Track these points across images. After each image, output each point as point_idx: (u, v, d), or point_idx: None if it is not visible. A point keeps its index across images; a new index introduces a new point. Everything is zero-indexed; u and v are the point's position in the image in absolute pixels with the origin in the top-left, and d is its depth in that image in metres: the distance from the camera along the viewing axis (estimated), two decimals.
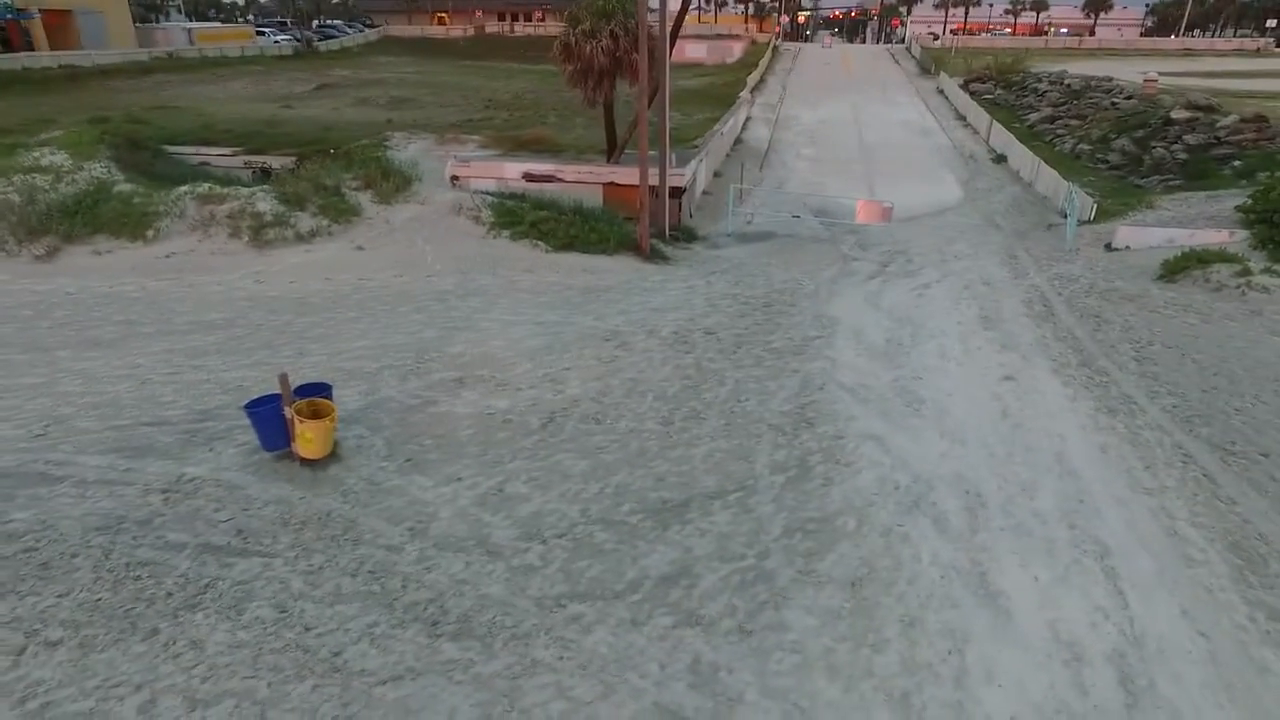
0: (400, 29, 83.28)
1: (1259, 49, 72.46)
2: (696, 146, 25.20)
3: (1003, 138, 32.54)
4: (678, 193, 20.57)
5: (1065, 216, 21.51)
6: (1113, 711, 6.56)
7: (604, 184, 20.77)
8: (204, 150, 26.13)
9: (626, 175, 20.36)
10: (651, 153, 18.45)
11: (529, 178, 21.12)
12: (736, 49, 68.17)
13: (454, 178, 21.96)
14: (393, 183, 19.96)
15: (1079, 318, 15.32)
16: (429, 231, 18.58)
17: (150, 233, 17.42)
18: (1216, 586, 7.99)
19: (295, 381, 9.49)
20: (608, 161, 21.75)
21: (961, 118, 41.51)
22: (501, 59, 69.99)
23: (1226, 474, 9.91)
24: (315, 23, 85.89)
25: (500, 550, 8.02)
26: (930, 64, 59.53)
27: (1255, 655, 7.11)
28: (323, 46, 69.80)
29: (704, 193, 24.92)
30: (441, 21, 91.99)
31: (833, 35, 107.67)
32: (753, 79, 51.30)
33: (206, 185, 19.10)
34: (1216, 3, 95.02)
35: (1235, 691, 6.74)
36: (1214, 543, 8.63)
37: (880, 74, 59.21)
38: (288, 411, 9.13)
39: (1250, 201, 18.61)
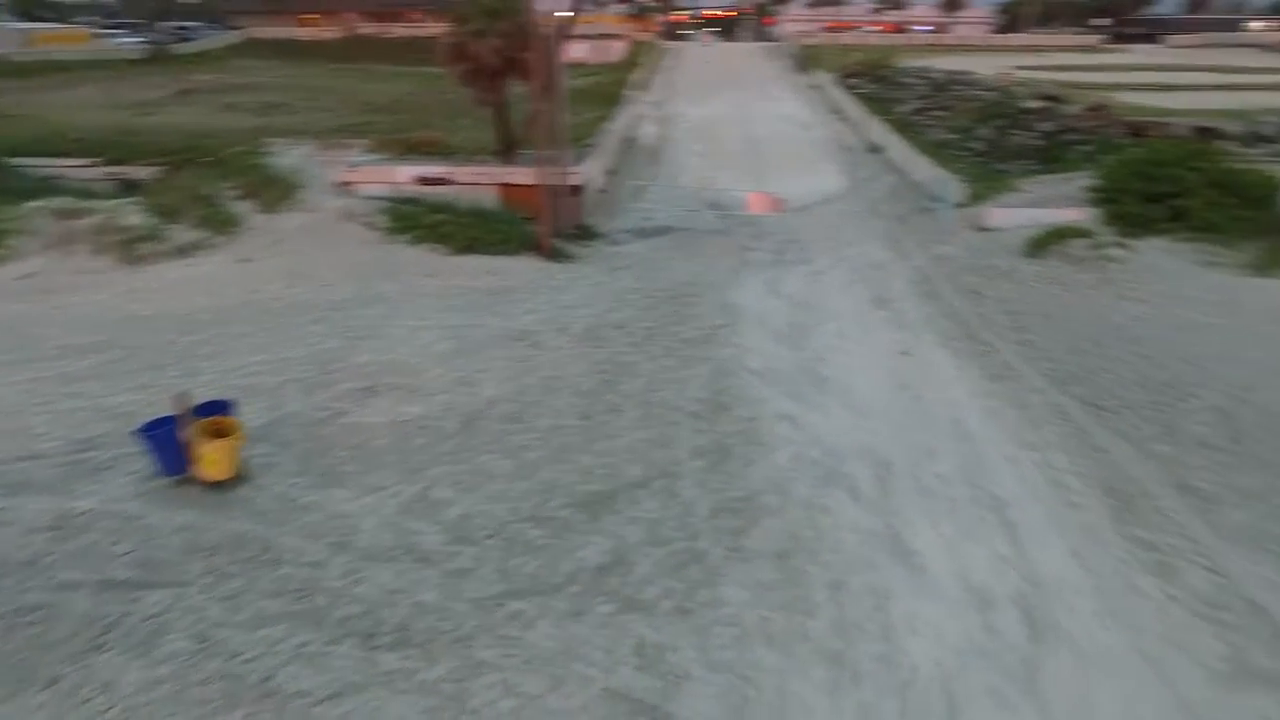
0: (265, 30, 79.03)
1: (1094, 45, 79.29)
2: (590, 145, 25.29)
3: (878, 129, 34.24)
4: (576, 191, 20.61)
5: (939, 201, 22.89)
6: (1020, 648, 7.14)
7: (500, 185, 20.55)
8: (55, 161, 24.07)
9: (523, 175, 20.21)
10: (548, 152, 18.42)
11: (422, 181, 20.64)
12: (618, 48, 68.58)
13: (342, 184, 21.18)
14: (276, 191, 19.07)
15: (960, 294, 16.40)
16: (320, 240, 17.89)
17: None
18: (1097, 527, 8.80)
19: (191, 402, 9.00)
20: (503, 162, 21.53)
21: (838, 111, 43.36)
22: (377, 61, 67.66)
23: (1098, 426, 10.89)
24: (171, 24, 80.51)
25: (431, 556, 7.89)
26: (805, 61, 61.85)
27: (1135, 583, 7.90)
28: (179, 49, 65.46)
29: (600, 190, 25.04)
30: (310, 23, 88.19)
31: (710, 34, 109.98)
32: (638, 77, 51.84)
33: (62, 199, 17.67)
34: (1055, 2, 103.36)
35: (1119, 616, 7.47)
36: (1092, 488, 9.50)
37: (759, 71, 61.04)
38: (186, 433, 8.66)
39: (1099, 181, 20.38)
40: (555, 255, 17.92)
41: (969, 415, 11.49)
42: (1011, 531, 8.73)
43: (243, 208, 18.57)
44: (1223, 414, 10.80)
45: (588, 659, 6.70)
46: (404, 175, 20.82)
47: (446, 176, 20.60)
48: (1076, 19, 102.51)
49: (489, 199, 20.41)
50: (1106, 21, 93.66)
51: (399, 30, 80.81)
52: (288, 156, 24.71)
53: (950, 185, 23.28)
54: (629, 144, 33.57)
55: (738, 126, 38.56)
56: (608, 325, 14.25)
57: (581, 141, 25.35)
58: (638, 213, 23.04)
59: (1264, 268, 16.00)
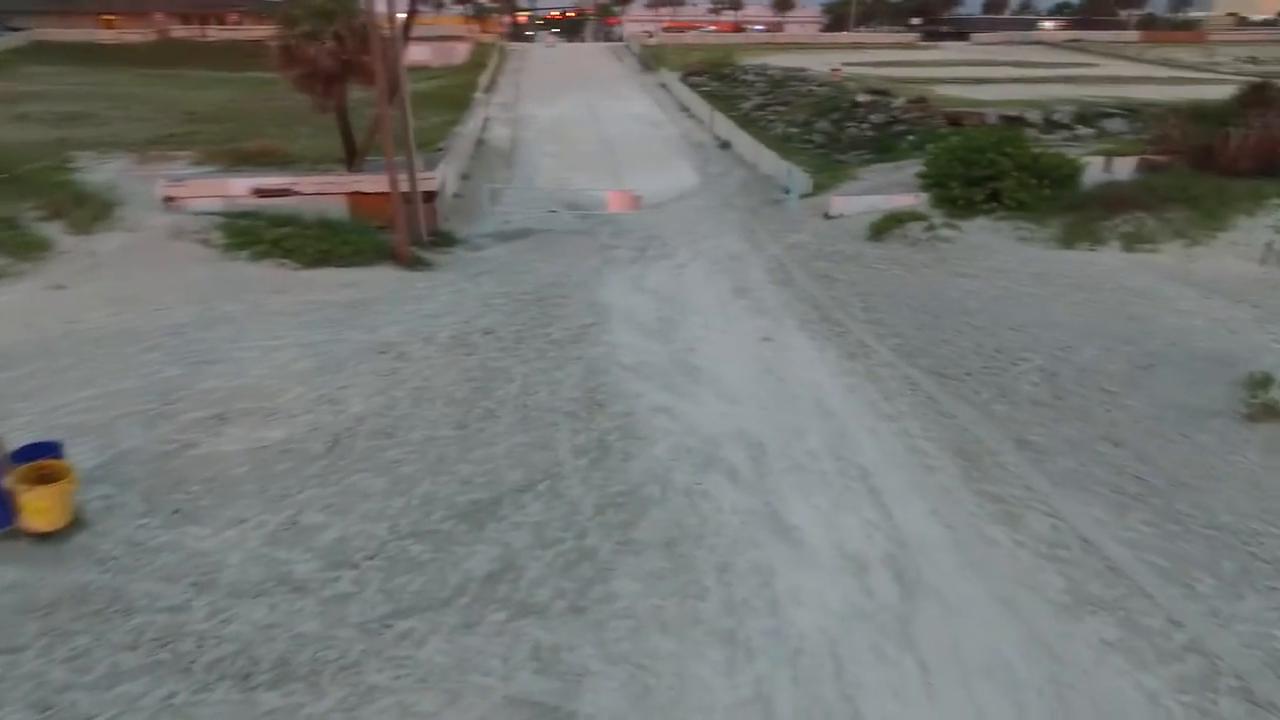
0: (55, 33, 71.12)
1: (911, 42, 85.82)
2: (441, 149, 24.65)
3: (725, 125, 35.53)
4: (430, 196, 20.03)
5: (787, 192, 24.07)
6: (894, 605, 7.62)
7: (348, 194, 19.61)
8: None
9: (373, 183, 19.42)
10: (398, 158, 17.78)
11: (261, 193, 19.34)
12: (462, 50, 67.23)
13: (168, 199, 19.51)
14: (89, 210, 17.33)
15: (813, 279, 17.29)
16: (147, 260, 16.43)
17: None
18: (951, 486, 9.54)
19: (9, 445, 8.05)
20: (348, 170, 20.56)
21: (685, 109, 44.59)
22: (196, 66, 62.76)
23: (944, 394, 11.80)
24: None
25: (307, 585, 7.45)
26: (650, 60, 63.12)
27: (986, 534, 8.61)
28: None
29: (455, 195, 24.48)
30: (111, 25, 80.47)
31: (553, 35, 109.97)
32: (484, 80, 51.04)
33: None
34: (875, 3, 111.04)
35: (978, 566, 8.13)
36: (944, 451, 10.28)
37: (605, 71, 61.71)
38: (6, 482, 7.74)
39: (925, 168, 22.11)
40: (414, 263, 17.35)
41: (830, 393, 12.13)
42: (877, 498, 9.30)
43: (50, 229, 16.75)
44: (1047, 374, 12.01)
45: (484, 669, 6.54)
46: (239, 188, 19.44)
47: (289, 187, 19.43)
48: (894, 18, 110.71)
49: (337, 209, 19.46)
50: (920, 21, 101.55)
51: (217, 33, 75.33)
52: (99, 171, 22.59)
53: (797, 177, 24.51)
54: (481, 147, 33.04)
55: (589, 126, 38.85)
56: (475, 331, 13.96)
57: (431, 146, 24.70)
58: (496, 216, 22.73)
59: (1069, 240, 17.90)
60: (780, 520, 8.84)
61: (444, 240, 20.06)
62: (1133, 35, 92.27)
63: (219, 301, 14.79)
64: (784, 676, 6.69)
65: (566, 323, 14.85)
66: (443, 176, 21.75)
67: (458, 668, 6.54)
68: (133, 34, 72.00)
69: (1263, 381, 10.68)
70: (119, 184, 20.34)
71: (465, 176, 26.87)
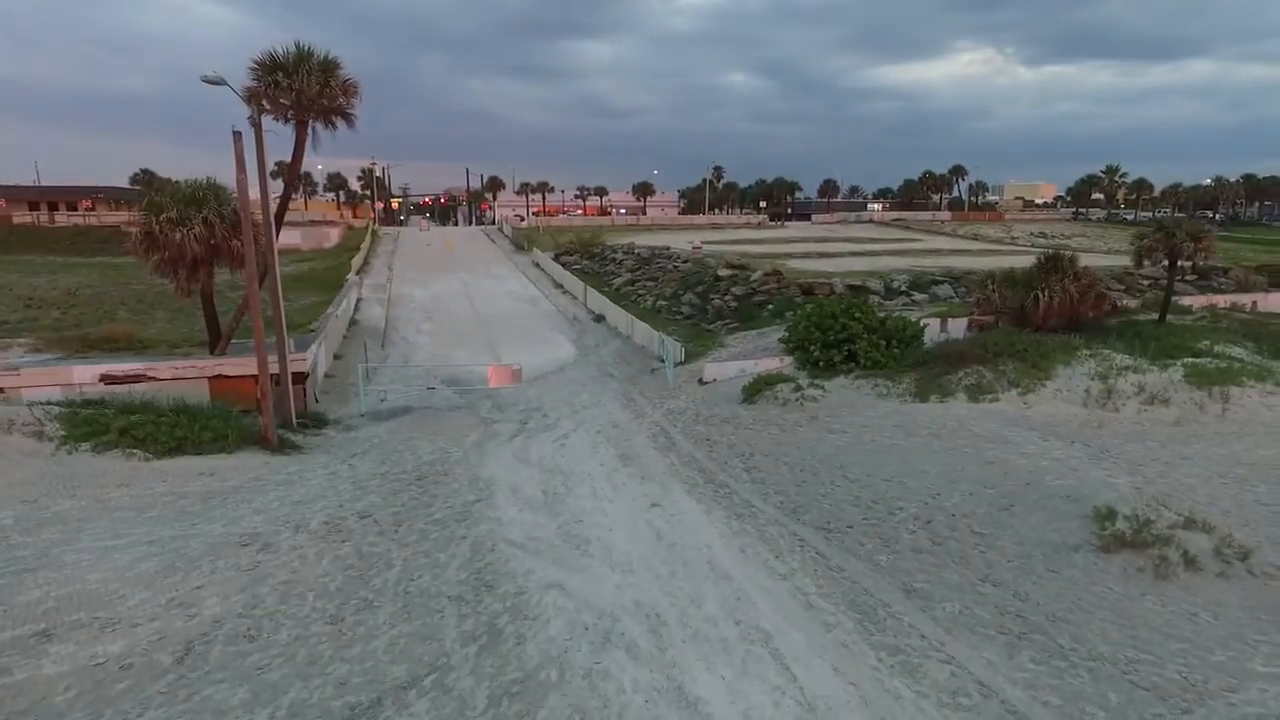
0: None
1: (759, 223, 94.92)
2: (312, 330, 24.20)
3: (598, 300, 37.11)
4: (300, 378, 19.37)
5: (662, 361, 25.02)
6: None
7: (210, 378, 18.67)
8: None
9: (237, 366, 18.66)
10: (267, 340, 17.28)
11: (109, 380, 18.06)
12: (334, 234, 68.06)
13: None
14: None
15: (695, 443, 17.68)
16: None
17: None
18: (850, 641, 9.52)
19: None
20: (212, 353, 19.69)
21: (559, 286, 46.42)
22: (40, 253, 60.02)
23: (831, 548, 12.04)
24: None
25: None
26: (523, 241, 66.09)
27: (890, 687, 8.55)
28: None
29: (327, 375, 23.82)
30: None
31: (426, 219, 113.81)
32: (357, 262, 51.48)
33: None
34: (724, 190, 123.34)
35: None
36: (839, 605, 10.34)
37: (480, 252, 63.89)
38: None
39: (787, 334, 23.76)
40: (282, 447, 16.43)
41: (723, 555, 12.10)
42: (780, 661, 9.11)
43: None
44: (922, 521, 12.56)
45: None
46: (84, 375, 18.10)
47: (142, 373, 18.29)
48: (743, 202, 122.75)
49: (198, 395, 18.42)
50: (766, 204, 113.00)
51: (65, 219, 72.89)
52: None
53: (670, 346, 25.62)
54: (354, 327, 32.72)
55: (465, 304, 39.52)
56: (351, 516, 13.15)
57: (303, 327, 24.23)
58: (372, 395, 22.15)
59: (921, 394, 19.39)
60: (686, 695, 8.44)
61: (315, 422, 19.24)
62: (945, 215, 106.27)
63: (51, 500, 13.28)
64: None
65: (449, 501, 14.31)
66: (314, 357, 21.23)
67: None
68: None
69: (1108, 515, 11.62)
70: None
71: (338, 357, 26.32)
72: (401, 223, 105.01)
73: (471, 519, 13.46)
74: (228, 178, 18.31)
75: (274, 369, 18.04)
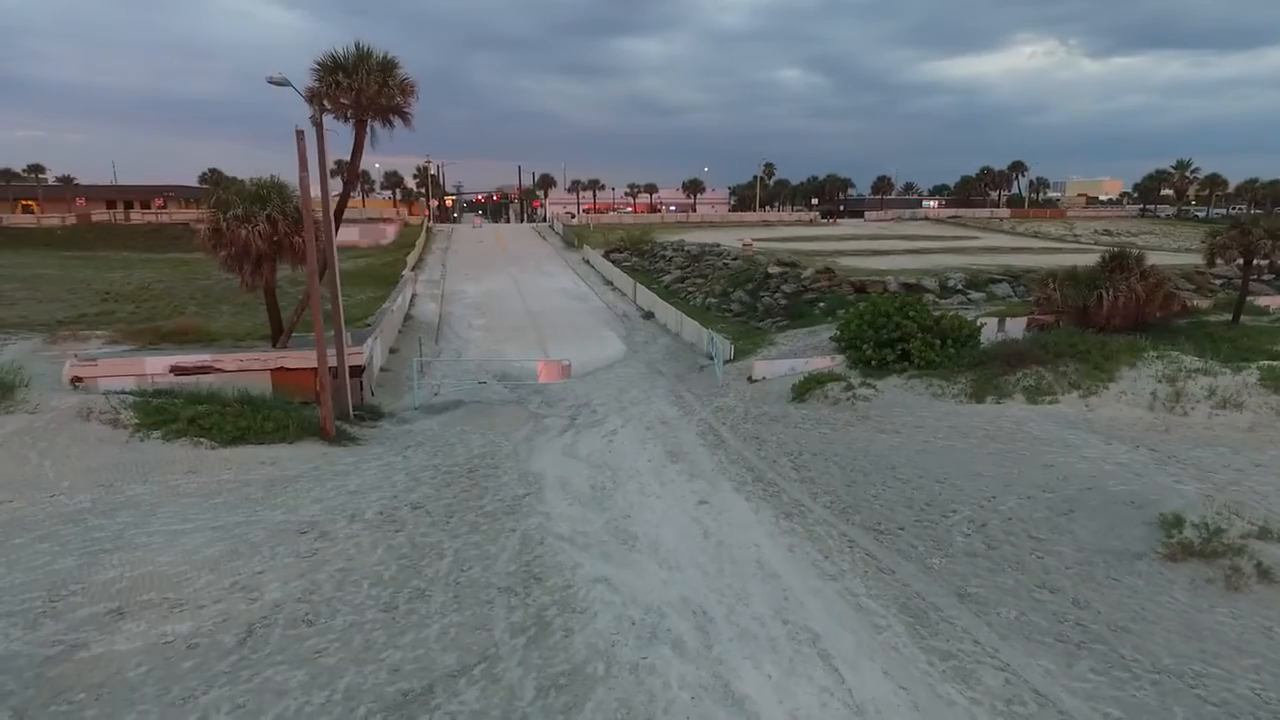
0: None
1: (811, 220, 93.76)
2: (368, 325, 24.81)
3: (647, 297, 37.16)
4: (357, 371, 19.89)
5: (711, 358, 24.94)
6: None
7: (272, 370, 19.30)
8: None
9: (298, 359, 19.24)
10: (326, 333, 17.78)
11: (179, 371, 18.82)
12: (390, 231, 69.58)
13: (75, 379, 18.75)
14: None
15: (743, 441, 17.59)
16: (47, 444, 15.46)
17: None
18: (900, 644, 9.37)
19: None
20: (274, 346, 20.34)
21: (609, 283, 46.61)
22: (116, 249, 62.81)
23: (882, 549, 11.86)
24: None
25: None
26: (573, 238, 66.56)
27: (942, 693, 8.39)
28: None
29: (382, 369, 24.39)
30: (30, 210, 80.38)
31: (479, 216, 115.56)
32: (413, 258, 52.51)
33: None
34: (775, 188, 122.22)
35: None
36: (889, 608, 10.18)
37: (531, 249, 64.59)
38: None
39: (838, 333, 23.45)
40: (339, 439, 16.89)
41: (771, 554, 12.03)
42: (829, 662, 9.02)
43: None
44: (976, 524, 12.28)
45: None
46: (156, 366, 18.90)
47: (210, 365, 19.00)
48: (793, 199, 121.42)
49: (261, 386, 19.05)
50: (817, 201, 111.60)
51: (139, 217, 76.09)
52: (2, 352, 21.67)
53: (720, 344, 25.53)
54: (409, 322, 33.40)
55: (517, 300, 39.99)
56: (404, 506, 13.45)
57: (359, 322, 24.85)
58: (425, 389, 22.60)
59: (978, 395, 18.94)
60: (732, 693, 8.42)
61: (371, 414, 19.71)
62: (1004, 212, 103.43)
63: (125, 485, 13.90)
64: None
65: (499, 494, 14.52)
66: (370, 351, 21.76)
67: None
68: (50, 218, 71.86)
69: (1175, 522, 11.19)
70: (24, 365, 19.45)
71: (393, 351, 26.92)
72: (456, 220, 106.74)
73: (521, 512, 13.64)
74: (290, 176, 18.95)
75: (332, 362, 18.54)
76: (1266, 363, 19.27)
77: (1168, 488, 12.92)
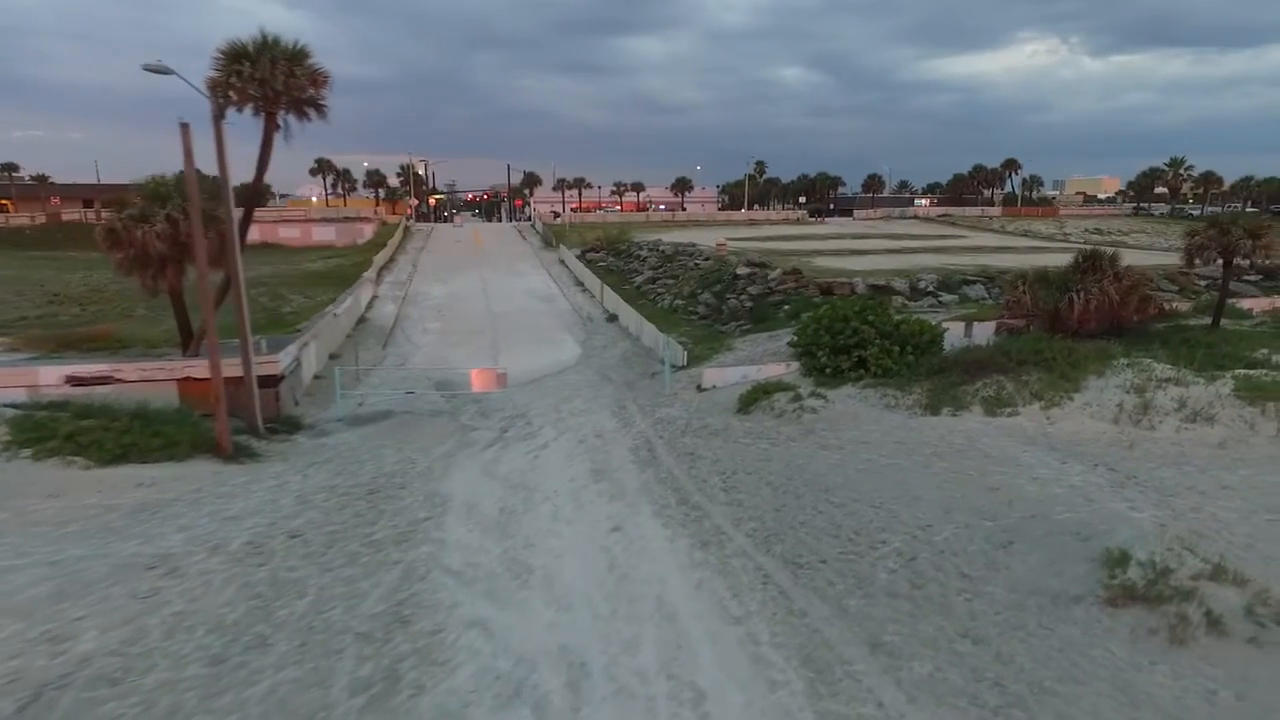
0: None
1: (799, 219, 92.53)
2: (299, 330, 23.56)
3: (613, 299, 35.92)
4: (271, 380, 18.63)
5: (665, 365, 23.70)
6: None
7: (179, 380, 18.05)
8: None
9: (206, 367, 17.95)
10: (233, 340, 16.53)
11: (75, 381, 17.56)
12: (368, 230, 68.36)
13: None
14: None
15: (677, 458, 16.34)
16: None
17: None
18: (794, 708, 8.12)
19: None
20: (184, 354, 19.10)
21: (580, 284, 45.38)
22: (85, 249, 61.30)
23: (798, 587, 10.62)
24: None
25: None
26: (551, 238, 65.30)
27: None
28: None
29: (317, 377, 23.14)
30: (2, 209, 79.07)
31: (474, 215, 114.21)
32: (381, 258, 51.26)
33: None
34: (765, 186, 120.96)
35: None
36: (791, 660, 8.93)
37: (508, 249, 63.26)
38: None
39: (795, 338, 22.19)
40: (238, 455, 15.64)
41: (676, 591, 10.80)
42: None
43: None
44: (905, 558, 11.04)
45: None
46: (50, 376, 17.64)
47: (109, 374, 17.75)
48: (784, 197, 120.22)
49: (167, 397, 17.81)
50: (806, 199, 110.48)
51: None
52: None
53: (674, 349, 24.30)
54: (362, 325, 32.15)
55: (481, 302, 38.72)
56: (280, 535, 12.20)
57: (291, 326, 23.59)
58: (356, 397, 21.35)
59: (933, 406, 17.71)
60: None
61: (288, 427, 18.48)
62: (996, 210, 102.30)
63: None
64: None
65: (396, 519, 13.29)
66: (294, 358, 20.51)
67: None
68: (20, 217, 70.54)
69: (1120, 560, 9.97)
70: None
71: (334, 356, 25.66)
72: (449, 219, 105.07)
73: (413, 540, 12.41)
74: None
75: (257, 370, 17.32)
76: (1243, 371, 18.06)
77: (1120, 515, 11.70)
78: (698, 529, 12.84)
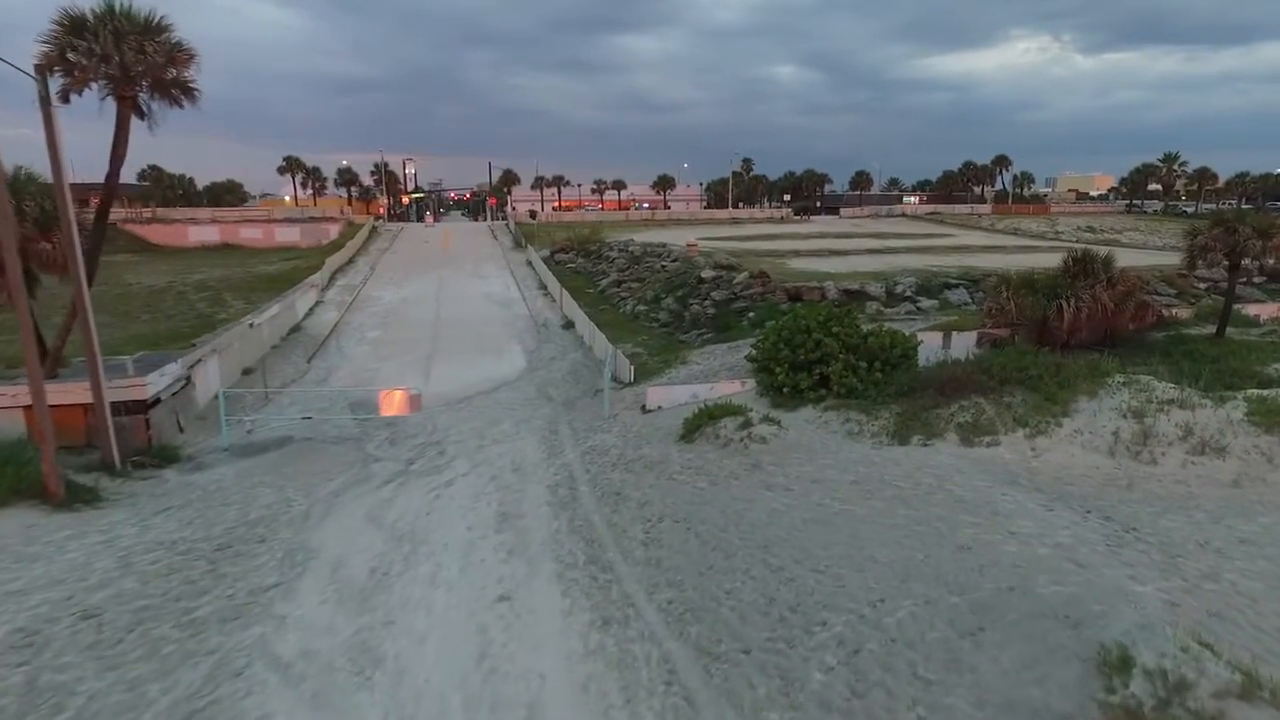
0: None
1: (783, 217, 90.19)
2: (194, 344, 21.06)
3: (570, 305, 33.47)
4: (141, 406, 16.14)
5: (611, 382, 21.29)
6: None
7: (25, 407, 15.53)
8: None
9: (64, 393, 15.53)
10: (79, 359, 14.05)
11: None
12: (334, 230, 65.78)
13: None
14: None
15: (600, 498, 13.95)
16: None
17: None
18: None
19: None
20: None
21: (544, 287, 42.94)
22: None
23: (708, 691, 8.25)
24: None
25: None
26: (522, 238, 62.74)
27: None
28: None
29: (217, 396, 20.58)
30: None
31: (462, 215, 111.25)
32: (337, 260, 48.67)
33: None
34: (752, 183, 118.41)
35: None
36: None
37: (476, 249, 60.63)
38: None
39: (753, 351, 19.81)
40: (73, 500, 13.15)
41: (555, 694, 8.43)
42: None
43: None
44: (848, 650, 8.66)
45: None
46: None
47: None
48: (770, 195, 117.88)
49: (13, 427, 15.31)
50: (790, 197, 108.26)
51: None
52: None
53: (621, 363, 21.90)
54: (294, 334, 29.61)
55: (432, 308, 36.20)
56: (71, 615, 9.74)
57: (185, 340, 21.07)
58: (253, 422, 18.86)
59: (900, 434, 15.38)
60: None
61: (162, 459, 16.00)
62: (985, 208, 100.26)
63: None
64: None
65: (234, 586, 10.85)
66: (175, 377, 18.01)
67: None
68: None
69: (1120, 664, 7.58)
70: None
71: (247, 372, 23.14)
72: (412, 218, 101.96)
73: (246, 617, 10.00)
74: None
75: (118, 394, 14.84)
76: (1255, 392, 15.77)
77: (1119, 589, 9.35)
78: (603, 599, 10.47)
